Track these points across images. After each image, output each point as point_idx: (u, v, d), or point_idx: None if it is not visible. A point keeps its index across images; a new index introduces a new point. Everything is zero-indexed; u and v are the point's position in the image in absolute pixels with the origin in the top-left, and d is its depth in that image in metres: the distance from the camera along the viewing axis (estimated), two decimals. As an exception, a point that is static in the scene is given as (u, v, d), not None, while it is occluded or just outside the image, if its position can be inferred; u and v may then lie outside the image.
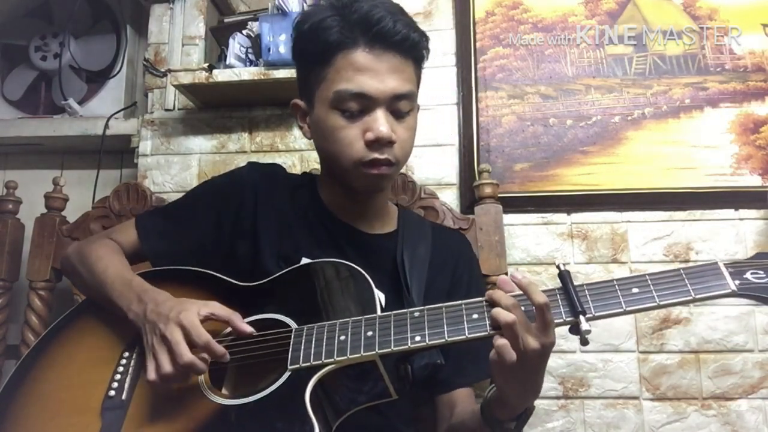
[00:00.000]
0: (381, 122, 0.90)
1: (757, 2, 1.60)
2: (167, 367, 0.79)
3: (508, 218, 1.49)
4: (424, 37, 0.96)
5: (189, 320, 0.80)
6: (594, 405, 1.44)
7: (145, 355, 0.86)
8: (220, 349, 0.81)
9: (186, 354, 0.78)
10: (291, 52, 1.03)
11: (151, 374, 0.80)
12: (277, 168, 1.13)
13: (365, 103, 0.91)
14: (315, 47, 0.93)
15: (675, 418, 1.42)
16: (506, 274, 1.35)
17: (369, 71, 0.90)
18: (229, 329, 0.86)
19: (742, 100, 1.55)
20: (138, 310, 0.86)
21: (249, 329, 0.83)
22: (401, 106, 0.93)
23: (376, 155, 0.91)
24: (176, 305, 0.83)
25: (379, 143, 0.91)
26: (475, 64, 1.61)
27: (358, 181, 0.96)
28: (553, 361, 1.44)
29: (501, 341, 0.73)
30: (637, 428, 1.42)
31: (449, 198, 1.54)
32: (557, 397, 1.44)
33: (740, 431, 1.40)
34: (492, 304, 0.76)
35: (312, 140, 1.02)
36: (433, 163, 1.58)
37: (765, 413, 1.41)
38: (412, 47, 0.94)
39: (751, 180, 1.50)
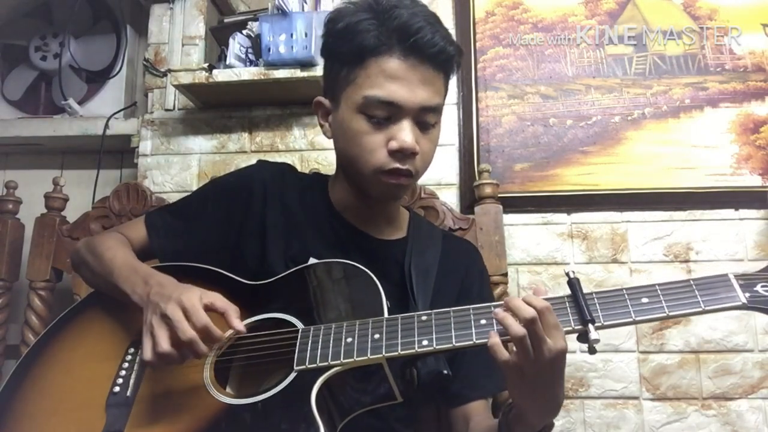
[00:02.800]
0: (406, 133, 0.89)
1: (757, 2, 1.60)
2: (165, 345, 0.78)
3: (508, 218, 1.49)
4: (459, 51, 0.96)
5: (190, 302, 0.80)
6: (594, 405, 1.44)
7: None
8: (217, 332, 0.80)
9: (188, 330, 0.77)
10: (321, 48, 1.00)
11: (147, 353, 0.79)
12: (286, 167, 1.12)
13: (393, 112, 0.90)
14: (348, 48, 0.92)
15: (675, 418, 1.42)
16: (506, 274, 1.36)
17: (401, 80, 0.89)
18: (231, 331, 0.86)
19: (742, 100, 1.55)
20: (142, 292, 0.86)
21: (241, 327, 0.82)
22: (428, 119, 0.92)
23: (398, 165, 0.90)
24: (179, 287, 0.84)
25: (402, 153, 0.90)
26: (475, 64, 1.61)
27: (375, 188, 0.94)
28: (553, 361, 1.43)
29: (493, 340, 0.73)
30: (637, 428, 1.42)
31: (449, 198, 1.54)
32: (557, 397, 1.44)
33: (740, 431, 1.40)
34: (508, 309, 0.74)
35: (331, 140, 1.00)
36: (433, 163, 1.57)
37: (765, 413, 1.41)
38: (446, 61, 0.93)
39: (751, 180, 1.50)
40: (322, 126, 1.01)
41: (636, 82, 1.58)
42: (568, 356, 1.46)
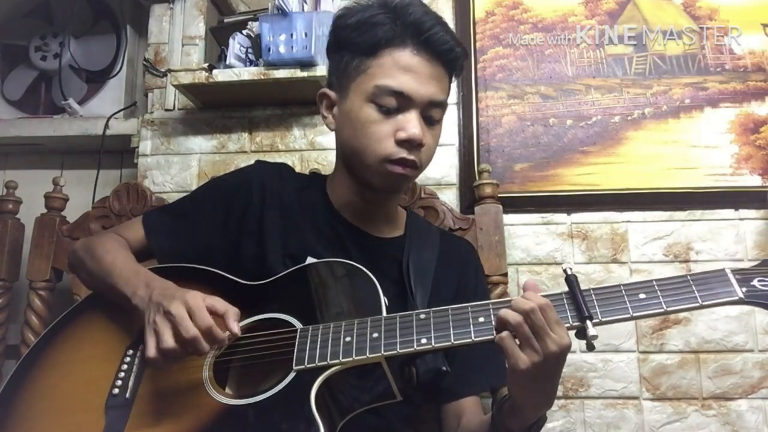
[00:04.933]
0: (414, 123, 0.92)
1: (757, 2, 1.60)
2: (169, 341, 0.79)
3: (508, 218, 1.49)
4: (465, 53, 1.00)
5: (194, 301, 0.81)
6: (594, 405, 1.44)
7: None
8: (220, 333, 0.81)
9: (191, 328, 0.78)
10: (328, 43, 1.02)
11: (151, 350, 0.80)
12: (284, 167, 1.13)
13: (402, 103, 0.92)
14: (362, 39, 0.94)
15: (675, 418, 1.42)
16: (506, 274, 1.36)
17: (412, 72, 0.92)
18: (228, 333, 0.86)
19: (742, 100, 1.55)
20: (144, 294, 0.86)
21: (236, 329, 0.82)
22: (434, 114, 0.96)
23: (405, 155, 0.92)
24: (181, 290, 0.84)
25: (409, 143, 0.92)
26: (475, 64, 1.61)
27: (379, 178, 0.96)
28: (553, 361, 1.44)
29: (501, 334, 0.74)
30: (637, 428, 1.42)
31: (449, 198, 1.54)
32: (557, 397, 1.44)
33: (740, 431, 1.40)
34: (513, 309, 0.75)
35: (334, 131, 1.02)
36: (433, 163, 1.55)
37: (765, 413, 1.41)
38: (454, 60, 0.97)
39: (751, 180, 1.50)
40: (325, 118, 1.02)
41: (636, 82, 1.58)
42: (569, 356, 1.47)
